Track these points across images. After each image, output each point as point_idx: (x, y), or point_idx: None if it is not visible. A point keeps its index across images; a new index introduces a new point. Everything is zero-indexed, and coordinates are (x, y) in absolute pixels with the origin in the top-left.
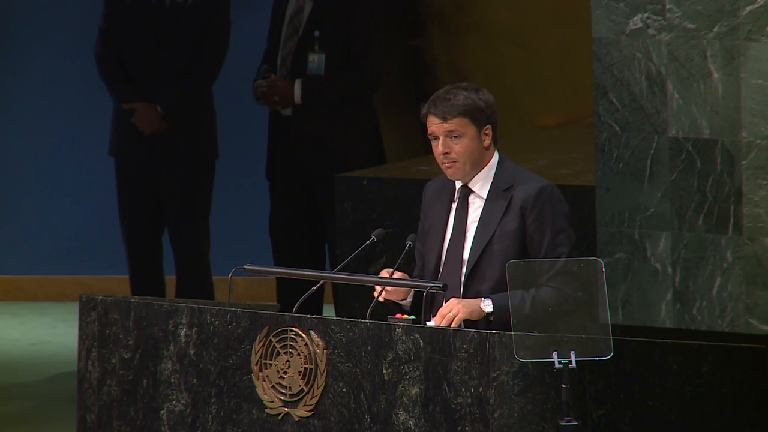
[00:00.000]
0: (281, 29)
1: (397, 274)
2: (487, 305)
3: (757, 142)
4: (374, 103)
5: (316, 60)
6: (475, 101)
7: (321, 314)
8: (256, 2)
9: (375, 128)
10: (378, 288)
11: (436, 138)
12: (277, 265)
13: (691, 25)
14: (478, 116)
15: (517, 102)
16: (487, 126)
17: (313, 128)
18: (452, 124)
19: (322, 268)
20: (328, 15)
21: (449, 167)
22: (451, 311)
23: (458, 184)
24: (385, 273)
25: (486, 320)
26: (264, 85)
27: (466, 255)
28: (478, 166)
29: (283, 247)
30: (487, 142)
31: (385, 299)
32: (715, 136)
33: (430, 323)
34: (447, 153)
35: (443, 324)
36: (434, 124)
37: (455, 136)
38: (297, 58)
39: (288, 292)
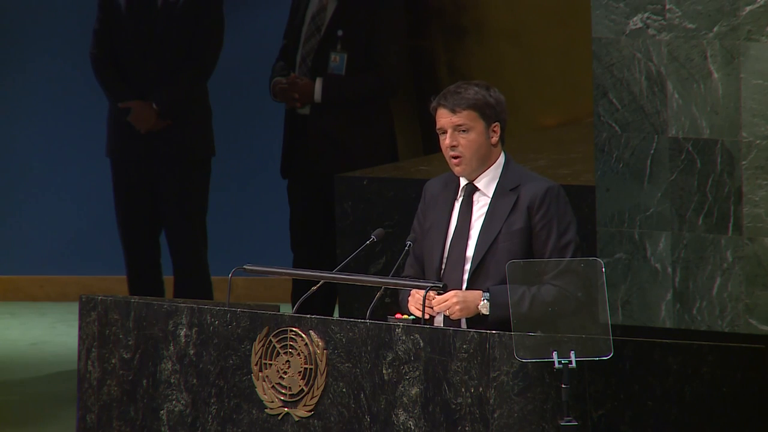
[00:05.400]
0: (301, 27)
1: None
2: (484, 307)
3: (757, 142)
4: (390, 104)
5: (337, 59)
6: (485, 97)
7: (332, 314)
8: (253, 1)
9: (390, 128)
10: None
11: (444, 132)
12: (296, 261)
13: (691, 25)
14: (487, 112)
15: (517, 102)
16: (496, 123)
17: (329, 127)
18: (461, 117)
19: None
20: (352, 15)
21: (456, 162)
22: (449, 309)
23: (462, 182)
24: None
25: (480, 316)
26: (283, 83)
27: (469, 252)
28: (484, 162)
29: (302, 245)
30: (494, 139)
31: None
32: (715, 136)
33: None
34: (454, 146)
35: (436, 309)
36: (443, 118)
37: (463, 130)
38: (318, 57)
39: (304, 291)
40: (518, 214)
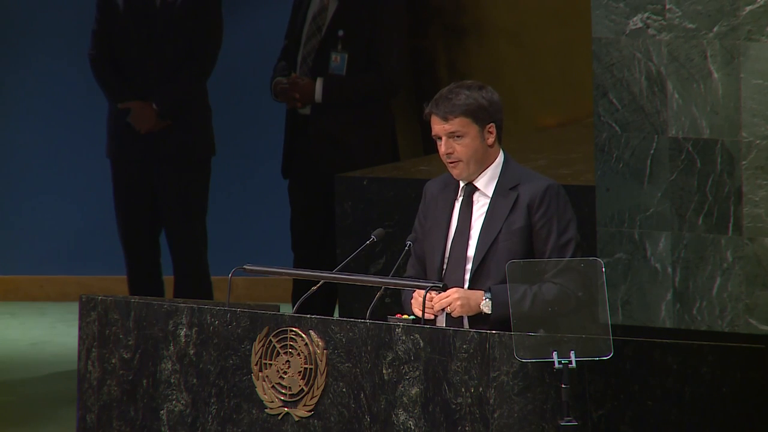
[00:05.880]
0: (302, 27)
1: None
2: (486, 306)
3: (757, 142)
4: (391, 104)
5: (338, 59)
6: (477, 100)
7: (332, 314)
8: (253, 1)
9: (391, 128)
10: None
11: (440, 138)
12: (296, 261)
13: (691, 25)
14: (480, 115)
15: (517, 102)
16: (490, 124)
17: (330, 127)
18: (453, 125)
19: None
20: (353, 15)
21: (454, 167)
22: (450, 305)
23: (462, 182)
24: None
25: (482, 314)
26: (284, 83)
27: (470, 252)
28: (482, 164)
29: (302, 245)
30: (490, 140)
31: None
32: (715, 136)
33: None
34: (450, 153)
35: (436, 306)
36: (437, 125)
37: (457, 137)
38: (318, 57)
39: (304, 291)
40: (518, 213)
